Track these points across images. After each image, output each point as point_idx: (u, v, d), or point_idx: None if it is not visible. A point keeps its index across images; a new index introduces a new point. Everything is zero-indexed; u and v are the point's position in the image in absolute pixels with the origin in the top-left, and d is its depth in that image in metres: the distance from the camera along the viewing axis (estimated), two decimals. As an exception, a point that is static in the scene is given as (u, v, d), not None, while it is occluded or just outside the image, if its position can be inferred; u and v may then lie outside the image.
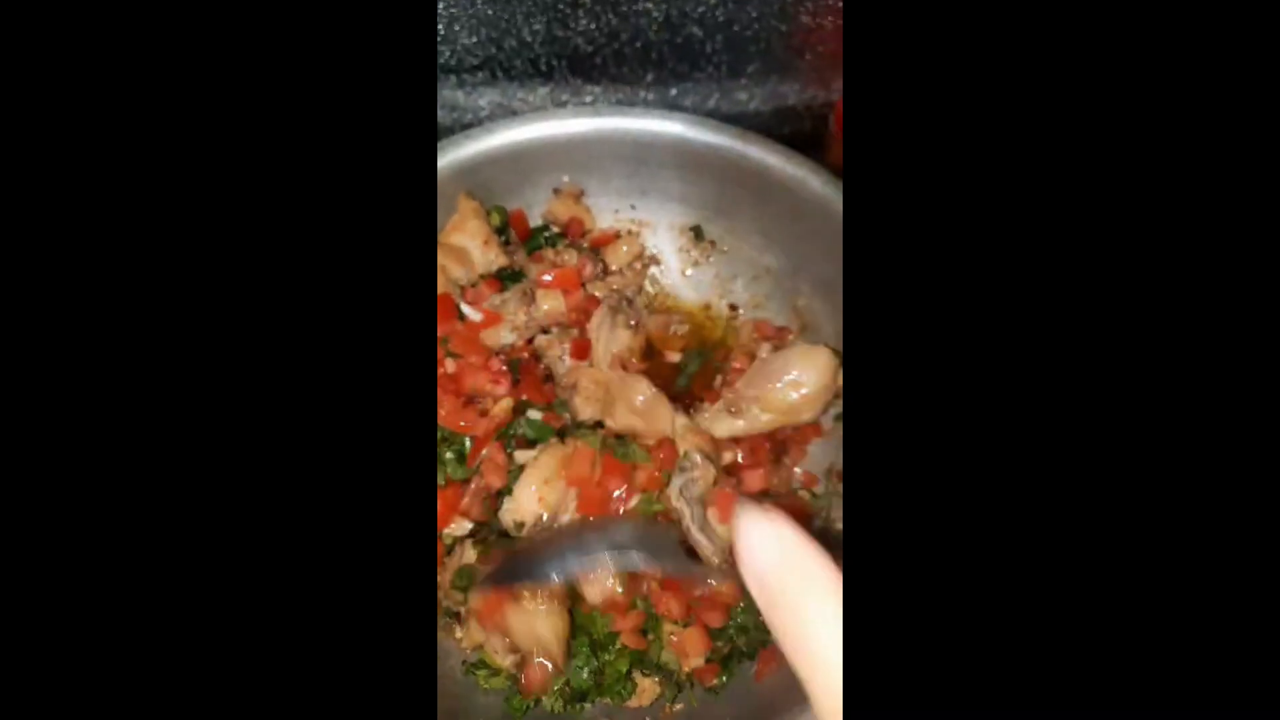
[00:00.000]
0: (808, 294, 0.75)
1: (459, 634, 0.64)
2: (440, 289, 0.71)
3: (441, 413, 0.65)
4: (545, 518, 0.61)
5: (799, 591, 0.25)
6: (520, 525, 0.61)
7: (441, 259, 0.71)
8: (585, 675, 0.59)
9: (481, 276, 0.72)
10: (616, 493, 0.60)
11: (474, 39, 0.88)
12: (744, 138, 0.72)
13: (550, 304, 0.71)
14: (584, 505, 0.61)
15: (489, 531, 0.65)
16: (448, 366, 0.68)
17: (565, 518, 0.61)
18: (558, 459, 0.62)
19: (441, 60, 0.92)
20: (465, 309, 0.70)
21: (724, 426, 0.67)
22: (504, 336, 0.70)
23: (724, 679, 0.61)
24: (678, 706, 0.60)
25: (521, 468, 0.62)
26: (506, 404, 0.66)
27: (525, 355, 0.71)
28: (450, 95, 0.94)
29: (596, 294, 0.74)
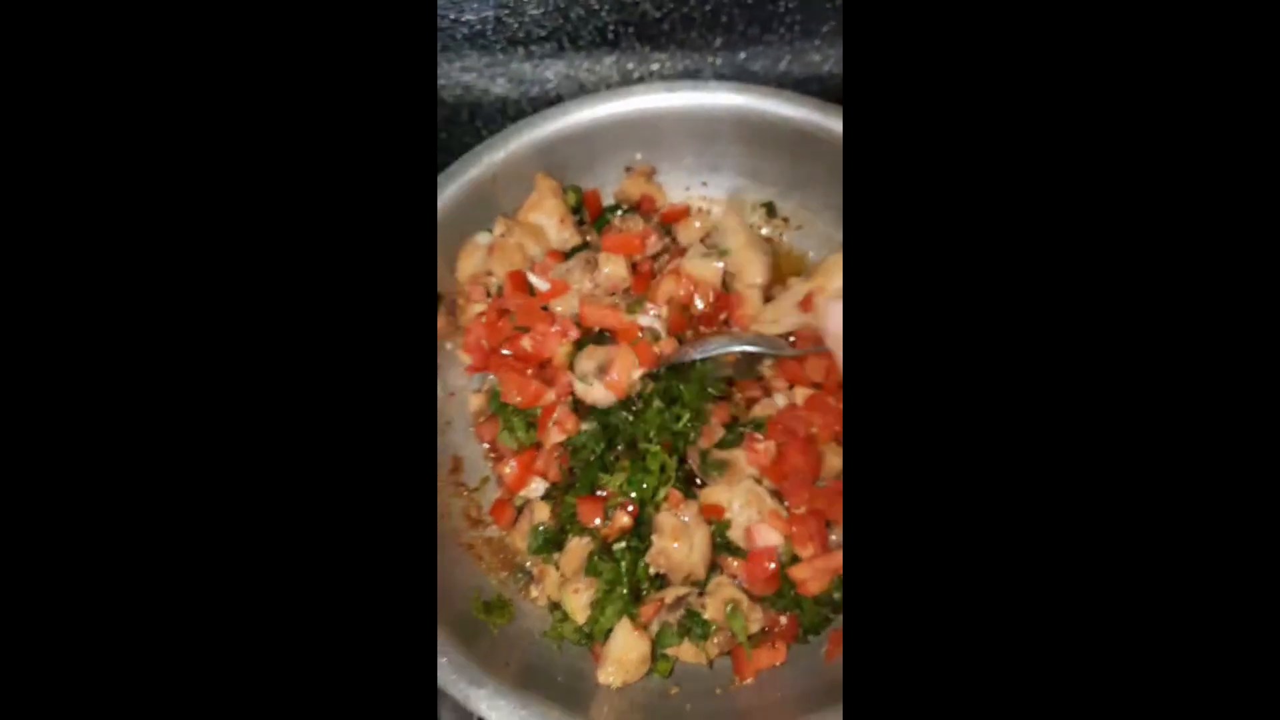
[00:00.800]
0: (884, 272, 0.73)
1: (534, 593, 0.67)
2: (516, 265, 0.72)
3: (517, 398, 0.68)
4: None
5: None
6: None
7: (519, 236, 0.72)
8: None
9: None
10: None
11: (541, 10, 0.87)
12: (823, 109, 0.70)
13: (611, 267, 0.71)
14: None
15: (560, 491, 0.67)
16: (524, 344, 0.70)
17: (636, 373, 0.66)
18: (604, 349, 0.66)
19: (509, 33, 0.91)
20: (534, 279, 0.72)
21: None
22: (572, 305, 0.71)
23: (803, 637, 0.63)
24: (748, 681, 0.62)
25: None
26: (566, 349, 0.68)
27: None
28: (518, 68, 0.93)
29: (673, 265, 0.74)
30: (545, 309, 0.71)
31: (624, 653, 0.61)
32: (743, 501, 0.63)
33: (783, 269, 0.77)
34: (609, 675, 0.61)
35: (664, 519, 0.63)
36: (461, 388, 0.75)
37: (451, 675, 0.56)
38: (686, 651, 0.63)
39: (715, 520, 0.64)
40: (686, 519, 0.63)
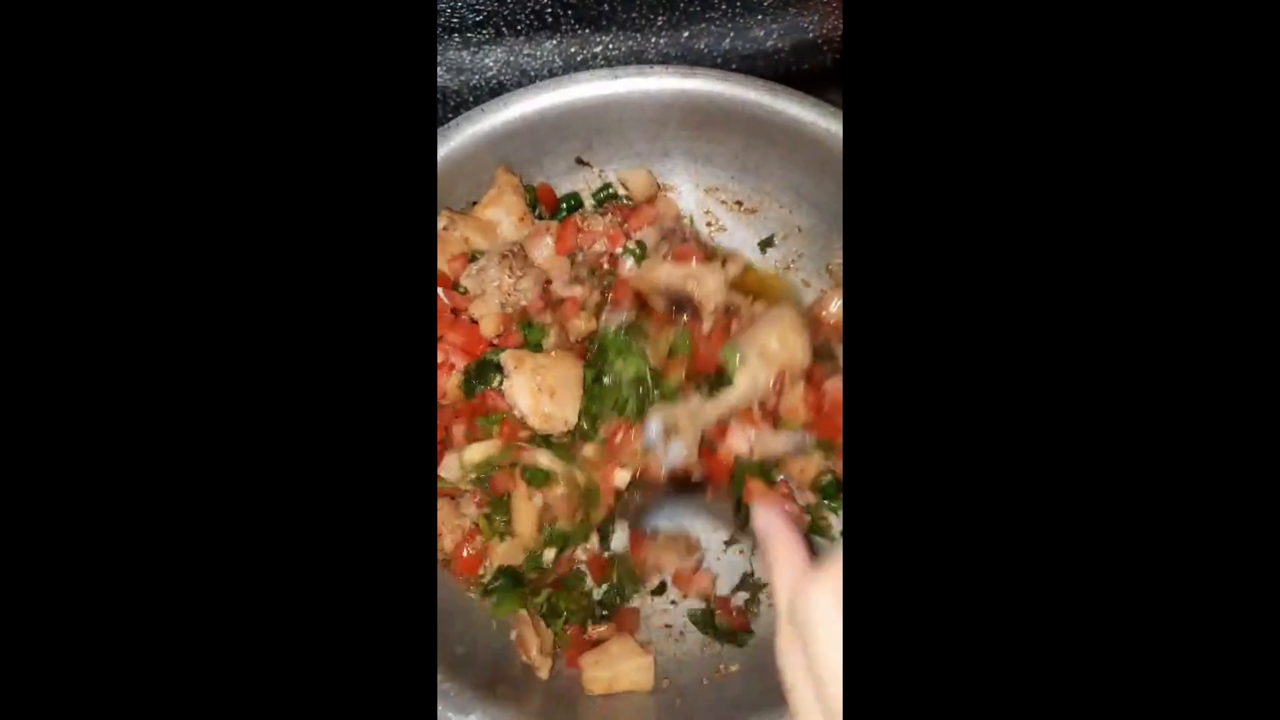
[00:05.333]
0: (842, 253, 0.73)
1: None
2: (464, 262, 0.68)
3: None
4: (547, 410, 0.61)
5: (772, 547, 0.41)
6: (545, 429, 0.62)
7: (464, 230, 0.69)
8: None
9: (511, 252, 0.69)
10: None
11: (473, -7, 0.83)
12: (773, 91, 0.69)
13: (539, 253, 0.66)
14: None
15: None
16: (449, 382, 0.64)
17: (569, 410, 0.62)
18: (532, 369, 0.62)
19: (443, 20, 0.87)
20: (440, 293, 0.66)
21: None
22: (490, 306, 0.65)
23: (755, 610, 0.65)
24: (733, 668, 0.63)
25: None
26: (455, 381, 0.64)
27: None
28: (455, 56, 0.89)
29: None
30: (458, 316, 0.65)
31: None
32: None
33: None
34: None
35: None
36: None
37: (438, 705, 0.55)
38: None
39: None
40: None
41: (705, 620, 0.64)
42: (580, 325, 0.66)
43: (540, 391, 0.61)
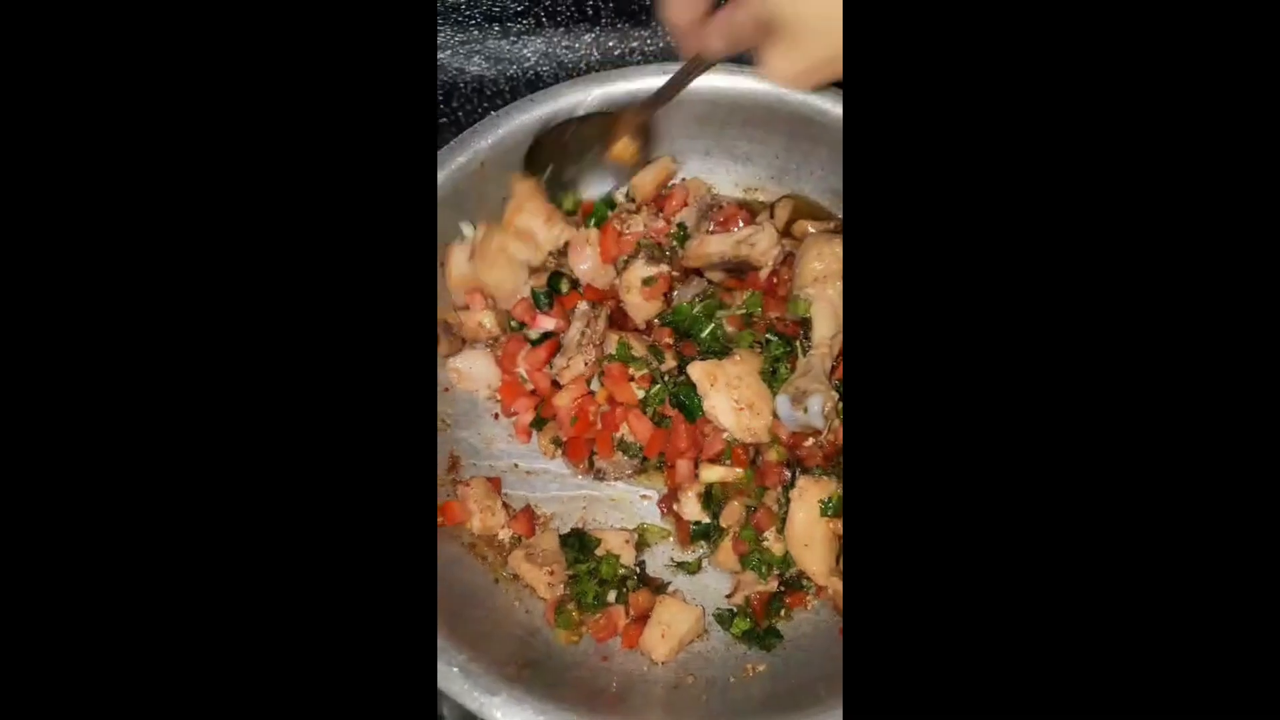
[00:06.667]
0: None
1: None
2: (499, 269, 0.70)
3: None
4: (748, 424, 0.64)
5: None
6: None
7: (504, 242, 0.69)
8: None
9: (550, 255, 0.71)
10: None
11: (517, -17, 0.83)
12: (820, 91, 0.69)
13: (582, 265, 0.71)
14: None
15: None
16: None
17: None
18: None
19: (484, 8, 0.87)
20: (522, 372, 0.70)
21: None
22: (577, 368, 0.68)
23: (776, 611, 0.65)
24: (760, 667, 0.63)
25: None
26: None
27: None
28: (495, 45, 0.89)
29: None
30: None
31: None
32: None
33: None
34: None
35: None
36: (453, 383, 0.73)
37: (464, 685, 0.55)
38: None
39: None
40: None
41: (731, 620, 0.65)
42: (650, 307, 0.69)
43: (741, 408, 0.64)
